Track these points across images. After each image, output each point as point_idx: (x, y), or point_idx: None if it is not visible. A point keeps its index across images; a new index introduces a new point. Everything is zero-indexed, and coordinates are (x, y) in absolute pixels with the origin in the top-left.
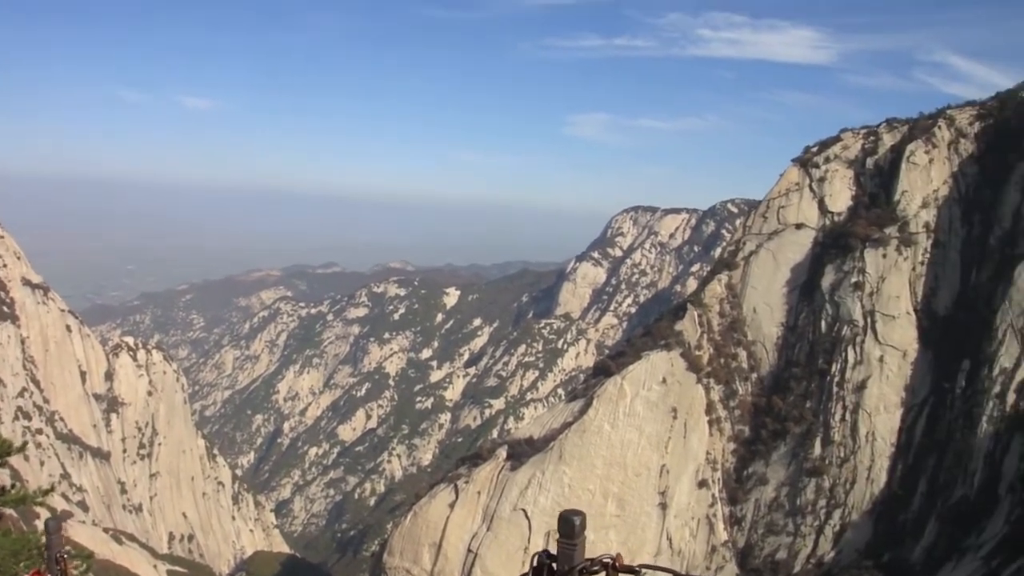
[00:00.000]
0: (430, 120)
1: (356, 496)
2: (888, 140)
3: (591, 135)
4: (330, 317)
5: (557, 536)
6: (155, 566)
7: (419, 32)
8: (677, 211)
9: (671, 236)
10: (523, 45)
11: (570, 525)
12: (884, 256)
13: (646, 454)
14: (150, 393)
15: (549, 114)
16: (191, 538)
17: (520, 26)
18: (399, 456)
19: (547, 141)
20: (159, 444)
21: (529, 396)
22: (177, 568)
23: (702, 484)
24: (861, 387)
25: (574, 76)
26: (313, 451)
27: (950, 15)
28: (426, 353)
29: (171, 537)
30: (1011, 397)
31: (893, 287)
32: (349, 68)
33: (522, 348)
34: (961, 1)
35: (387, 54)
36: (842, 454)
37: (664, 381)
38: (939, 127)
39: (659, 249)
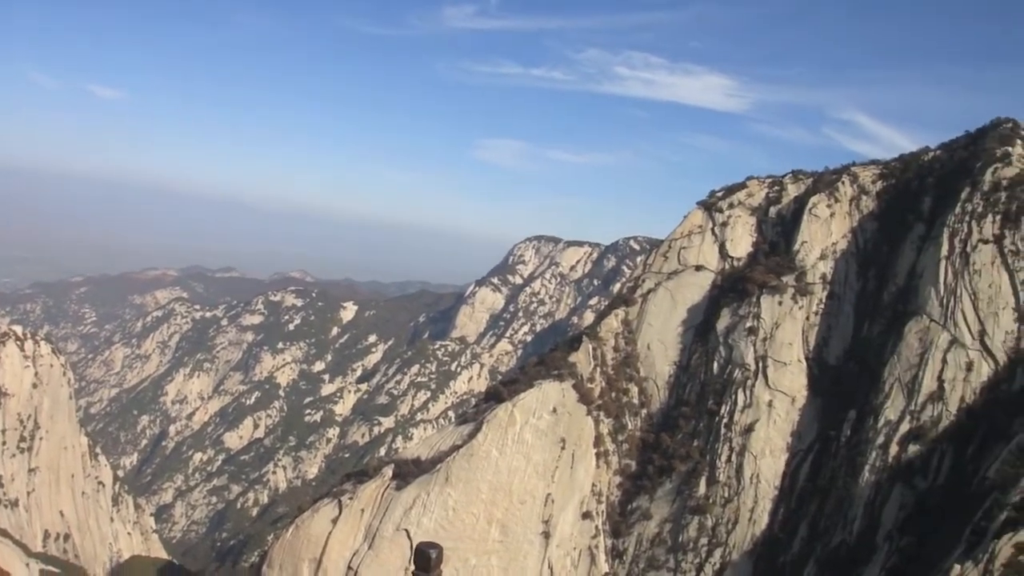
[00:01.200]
0: (341, 133)
1: (239, 505)
2: (792, 191)
3: (501, 161)
4: (224, 322)
5: (412, 568)
6: (27, 564)
7: (339, 43)
8: (580, 244)
9: (572, 268)
10: (440, 66)
11: (426, 558)
12: (780, 303)
13: (532, 482)
14: (35, 385)
15: (461, 137)
16: (67, 537)
17: (440, 48)
18: (284, 468)
19: (457, 164)
20: (40, 439)
21: (419, 416)
22: (50, 568)
23: (586, 515)
24: (749, 430)
25: (489, 101)
26: (198, 457)
27: (862, 76)
28: (319, 366)
29: (46, 535)
30: (894, 448)
31: (786, 334)
32: (265, 73)
33: (415, 368)
34: (873, 64)
35: (305, 62)
36: (726, 494)
37: (555, 411)
38: (843, 182)
39: (559, 280)
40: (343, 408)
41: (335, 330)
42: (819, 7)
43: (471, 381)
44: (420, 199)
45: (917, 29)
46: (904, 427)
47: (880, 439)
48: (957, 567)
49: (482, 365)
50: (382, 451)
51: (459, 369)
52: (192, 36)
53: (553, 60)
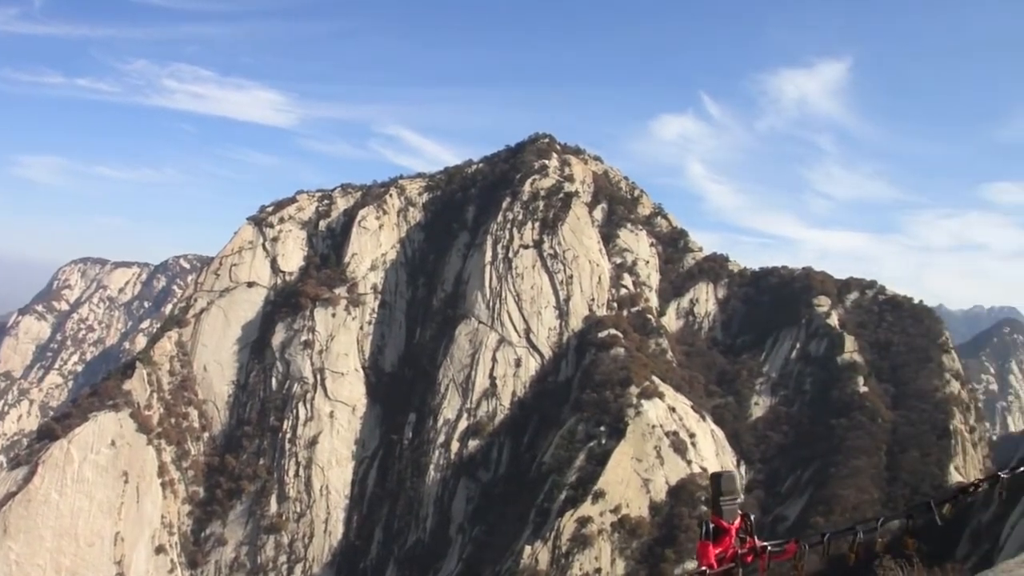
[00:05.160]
0: None
1: None
2: (342, 204)
3: (41, 179)
4: None
5: None
6: None
7: None
8: (128, 265)
9: (121, 291)
10: None
11: None
12: (333, 315)
13: (98, 522)
14: None
15: None
16: None
17: None
18: None
19: None
20: None
21: None
22: None
23: (160, 550)
24: (313, 442)
25: (29, 113)
26: None
27: (404, 94)
28: None
29: None
30: (455, 445)
31: (342, 345)
32: None
33: None
34: (414, 83)
35: None
36: (299, 509)
37: (113, 444)
38: (391, 195)
39: (108, 304)
40: None
41: None
42: (361, 31)
43: (21, 420)
44: None
45: (454, 51)
46: (463, 424)
47: (441, 438)
48: (528, 548)
49: (31, 401)
50: None
51: (7, 408)
52: None
53: (99, 70)
